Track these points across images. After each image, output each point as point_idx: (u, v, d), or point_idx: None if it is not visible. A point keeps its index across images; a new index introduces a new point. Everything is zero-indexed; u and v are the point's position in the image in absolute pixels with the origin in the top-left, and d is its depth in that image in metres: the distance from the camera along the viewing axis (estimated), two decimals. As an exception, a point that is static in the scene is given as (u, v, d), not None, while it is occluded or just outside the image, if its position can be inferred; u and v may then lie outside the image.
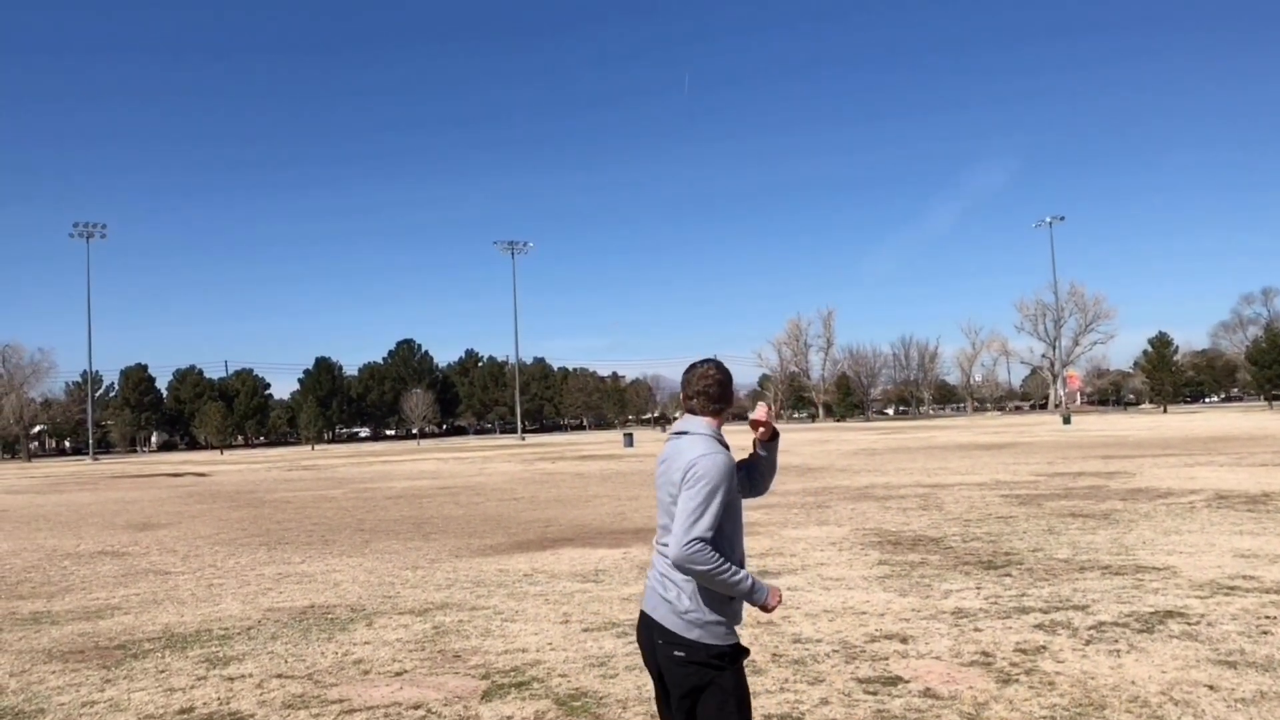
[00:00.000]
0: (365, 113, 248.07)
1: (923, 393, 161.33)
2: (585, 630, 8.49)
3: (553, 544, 14.89)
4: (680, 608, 3.44)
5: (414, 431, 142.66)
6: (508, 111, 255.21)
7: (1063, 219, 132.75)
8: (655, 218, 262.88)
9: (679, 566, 3.38)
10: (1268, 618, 7.87)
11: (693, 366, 3.70)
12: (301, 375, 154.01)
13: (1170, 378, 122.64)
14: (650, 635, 3.55)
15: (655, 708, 3.64)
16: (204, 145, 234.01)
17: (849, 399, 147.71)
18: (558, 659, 7.50)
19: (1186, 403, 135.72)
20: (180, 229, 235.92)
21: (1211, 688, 6.07)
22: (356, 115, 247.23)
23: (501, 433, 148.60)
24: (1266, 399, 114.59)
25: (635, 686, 6.61)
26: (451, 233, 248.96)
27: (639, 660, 7.27)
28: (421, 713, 6.25)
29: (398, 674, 7.29)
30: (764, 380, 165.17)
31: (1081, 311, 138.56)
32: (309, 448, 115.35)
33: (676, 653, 3.44)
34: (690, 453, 3.52)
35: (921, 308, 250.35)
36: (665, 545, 3.51)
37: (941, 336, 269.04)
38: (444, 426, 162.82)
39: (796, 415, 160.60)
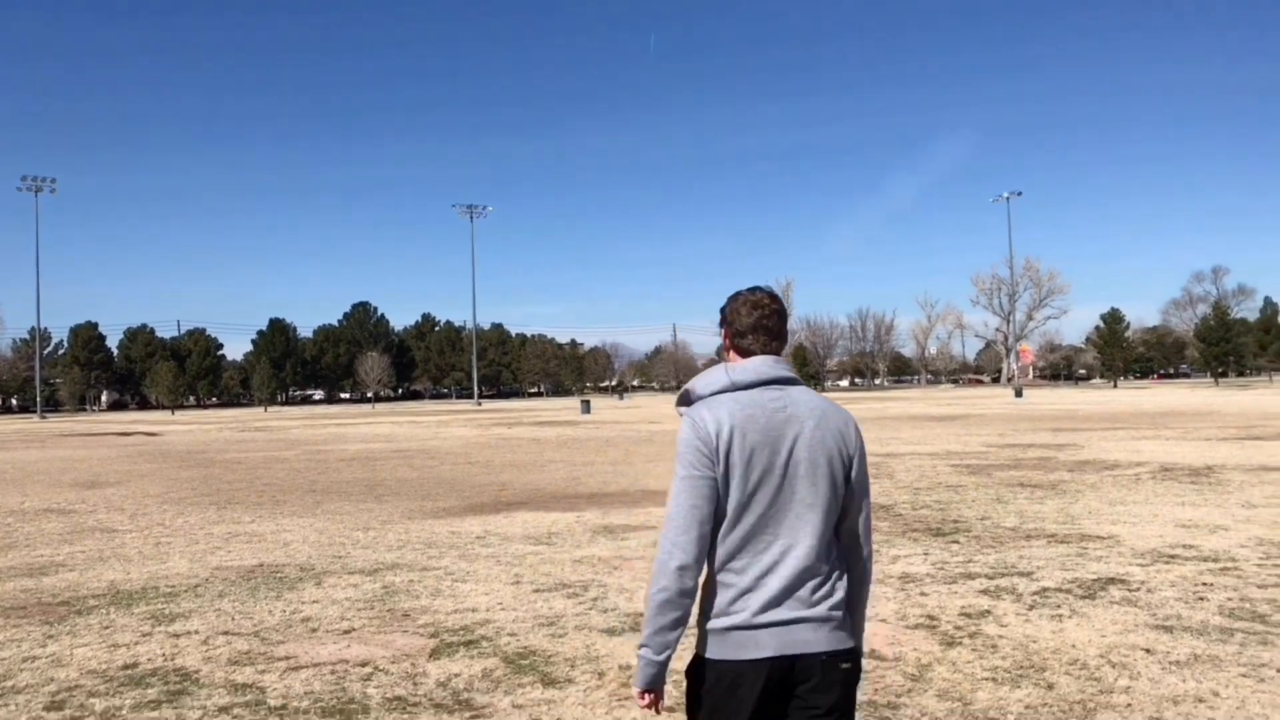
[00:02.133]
0: (322, 71, 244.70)
1: (878, 364, 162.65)
2: (536, 591, 8.51)
3: (506, 507, 14.89)
4: (839, 616, 2.68)
5: (369, 395, 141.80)
6: (468, 73, 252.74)
7: (1020, 194, 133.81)
8: (617, 186, 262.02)
9: (869, 577, 2.83)
10: (1204, 584, 8.04)
11: (739, 296, 2.87)
12: (255, 336, 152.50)
13: (1121, 353, 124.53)
14: (785, 677, 2.60)
15: None
16: (155, 101, 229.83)
17: (806, 370, 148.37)
18: (507, 618, 7.51)
19: (1137, 378, 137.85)
20: (132, 186, 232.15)
21: (1148, 651, 6.19)
22: (313, 73, 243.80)
23: (458, 398, 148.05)
24: (1213, 376, 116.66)
25: (584, 646, 6.64)
26: (409, 195, 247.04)
27: (588, 620, 7.32)
28: (368, 670, 6.24)
29: (346, 632, 7.26)
30: (721, 350, 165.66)
31: (1036, 286, 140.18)
32: (262, 409, 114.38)
33: (844, 664, 2.67)
34: (836, 411, 2.76)
35: (879, 280, 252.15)
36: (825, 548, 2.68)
37: (898, 309, 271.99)
38: (399, 391, 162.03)
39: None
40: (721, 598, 2.61)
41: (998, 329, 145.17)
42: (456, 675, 6.07)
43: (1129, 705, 5.20)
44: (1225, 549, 9.68)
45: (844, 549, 2.75)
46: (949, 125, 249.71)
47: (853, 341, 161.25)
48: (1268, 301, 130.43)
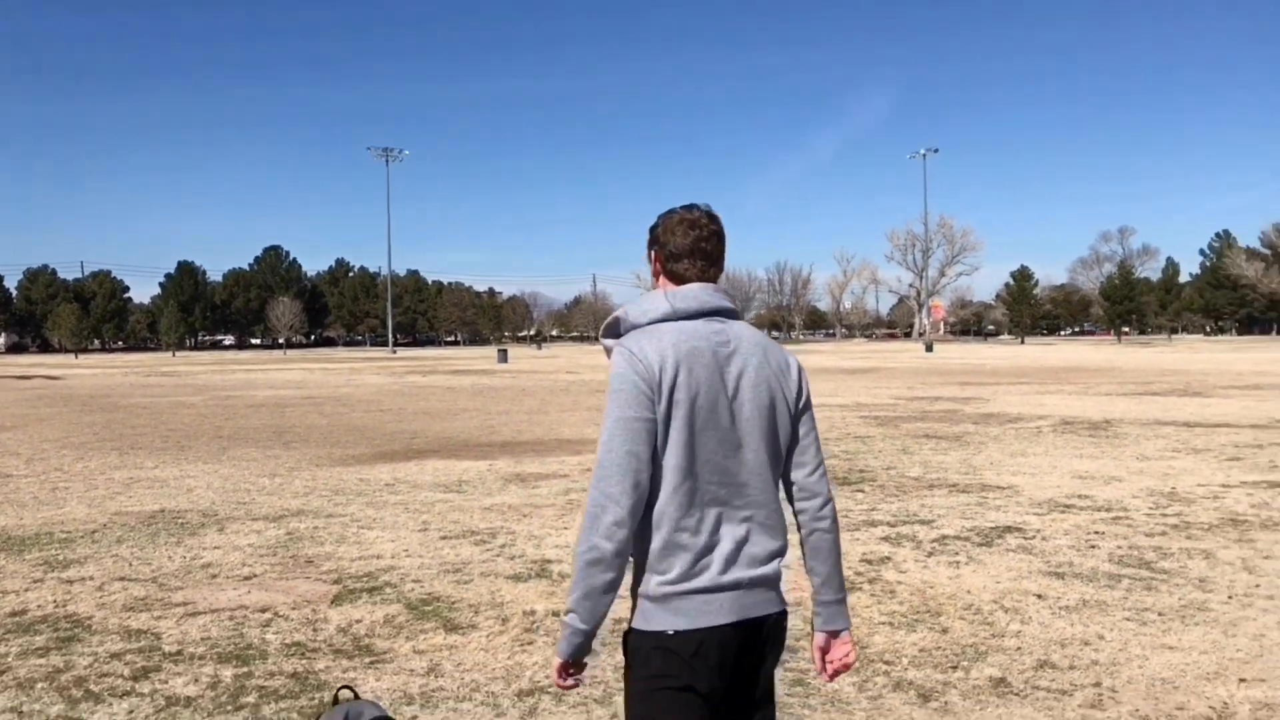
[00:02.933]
0: (235, 7, 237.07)
1: (794, 318, 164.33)
2: (443, 538, 8.46)
3: (417, 455, 14.77)
4: (783, 572, 2.49)
5: (280, 341, 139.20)
6: (385, 12, 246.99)
7: (936, 151, 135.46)
8: (537, 134, 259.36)
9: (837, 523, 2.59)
10: (1096, 533, 8.30)
11: (674, 214, 2.52)
12: (163, 279, 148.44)
13: (1029, 310, 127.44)
14: (744, 642, 2.38)
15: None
16: (54, 29, 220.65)
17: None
18: (412, 565, 7.46)
19: (1043, 335, 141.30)
20: (32, 119, 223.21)
21: (1040, 596, 6.37)
22: (225, 9, 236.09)
23: (372, 345, 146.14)
24: (1116, 333, 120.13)
25: (489, 592, 6.63)
26: (324, 138, 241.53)
27: (495, 566, 7.30)
28: (268, 616, 6.15)
29: (247, 578, 7.16)
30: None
31: (949, 243, 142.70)
32: (169, 354, 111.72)
33: (784, 624, 2.50)
34: (777, 349, 2.53)
35: (798, 234, 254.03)
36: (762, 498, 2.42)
37: (815, 264, 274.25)
38: (312, 337, 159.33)
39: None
40: (676, 560, 2.29)
41: (911, 285, 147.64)
42: (358, 621, 6.02)
43: (1018, 649, 5.35)
44: (1118, 499, 9.99)
45: (800, 498, 2.51)
46: (869, 82, 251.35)
47: (770, 295, 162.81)
48: (1170, 262, 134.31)
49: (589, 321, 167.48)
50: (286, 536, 8.64)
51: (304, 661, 5.27)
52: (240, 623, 6.02)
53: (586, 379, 38.35)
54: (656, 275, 2.55)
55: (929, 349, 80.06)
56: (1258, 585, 6.56)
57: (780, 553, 2.45)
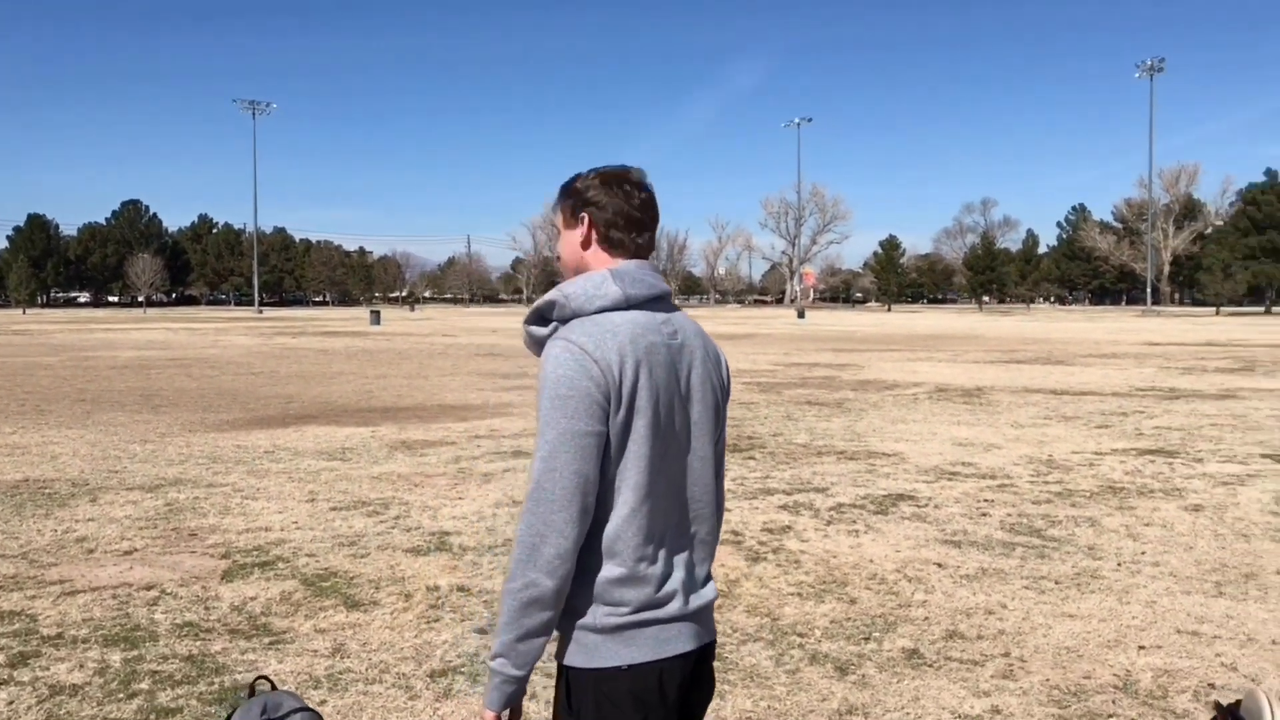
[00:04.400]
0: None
1: (670, 283, 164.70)
2: (334, 509, 8.18)
3: (295, 420, 14.31)
4: None
5: (140, 299, 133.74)
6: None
7: (810, 120, 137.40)
8: (410, 90, 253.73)
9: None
10: (985, 501, 8.50)
11: (607, 172, 2.19)
12: (11, 233, 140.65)
13: (896, 279, 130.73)
14: (692, 670, 2.13)
15: None
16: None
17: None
18: (304, 538, 7.19)
19: (908, 303, 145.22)
20: None
21: (940, 565, 6.48)
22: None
23: (237, 304, 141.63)
24: (977, 302, 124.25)
25: (388, 566, 6.42)
26: (185, 88, 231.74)
27: (391, 539, 7.09)
28: (154, 594, 5.84)
29: (127, 553, 6.79)
30: (517, 263, 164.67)
31: (821, 212, 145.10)
32: (20, 311, 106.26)
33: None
34: (710, 338, 2.26)
35: (674, 200, 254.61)
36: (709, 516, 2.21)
37: (691, 229, 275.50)
38: (174, 295, 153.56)
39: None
40: (634, 591, 2.01)
41: (784, 252, 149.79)
42: (252, 599, 5.76)
43: (926, 619, 5.42)
44: (1000, 466, 10.27)
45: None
46: (745, 49, 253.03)
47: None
48: (1029, 233, 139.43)
49: (462, 283, 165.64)
50: (166, 508, 8.24)
51: (198, 643, 5.01)
52: (124, 602, 5.70)
53: (464, 342, 37.84)
54: (586, 244, 2.15)
55: (801, 315, 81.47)
56: (1143, 553, 6.80)
57: (711, 572, 2.24)
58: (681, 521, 2.13)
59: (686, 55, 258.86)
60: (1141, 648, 4.97)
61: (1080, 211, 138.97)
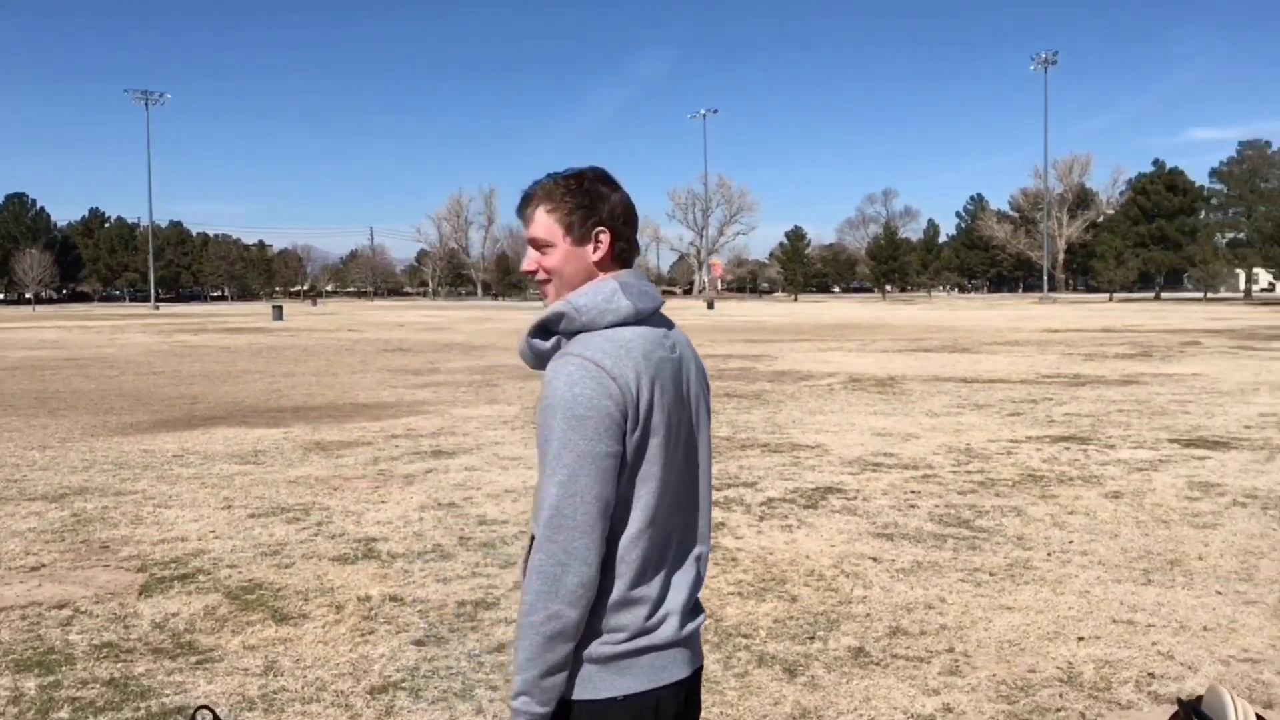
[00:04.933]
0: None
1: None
2: (252, 516, 7.91)
3: (203, 422, 13.86)
4: None
5: (28, 296, 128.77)
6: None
7: (716, 112, 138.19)
8: (309, 80, 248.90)
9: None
10: (912, 492, 8.57)
11: (598, 174, 2.09)
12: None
13: (802, 269, 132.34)
14: (686, 697, 2.07)
15: None
16: None
17: (508, 278, 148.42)
18: (224, 548, 6.92)
19: (814, 292, 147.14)
20: None
21: (875, 559, 6.50)
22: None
23: (132, 301, 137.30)
24: (881, 291, 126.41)
25: (315, 576, 6.21)
26: (75, 78, 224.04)
27: (315, 547, 6.86)
28: (68, 613, 5.55)
29: (34, 569, 6.45)
30: (422, 255, 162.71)
31: (728, 203, 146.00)
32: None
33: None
34: (694, 348, 2.22)
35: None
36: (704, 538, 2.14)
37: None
38: (64, 292, 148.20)
39: (459, 291, 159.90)
40: (630, 615, 1.93)
41: (692, 243, 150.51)
42: (174, 615, 5.51)
43: (868, 615, 5.41)
44: (921, 456, 10.38)
45: None
46: (649, 41, 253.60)
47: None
48: (930, 223, 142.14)
49: (366, 276, 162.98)
50: (73, 518, 7.87)
51: (120, 665, 4.76)
52: (35, 622, 5.40)
53: (371, 337, 37.20)
54: (602, 264, 2.03)
55: (710, 306, 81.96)
56: (1070, 541, 6.90)
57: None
58: (683, 541, 2.05)
59: (590, 46, 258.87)
60: (1081, 639, 5.02)
61: (978, 201, 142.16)
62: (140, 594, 5.89)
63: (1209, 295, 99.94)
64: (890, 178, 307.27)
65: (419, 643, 5.04)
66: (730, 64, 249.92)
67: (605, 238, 2.02)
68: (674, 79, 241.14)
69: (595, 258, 2.03)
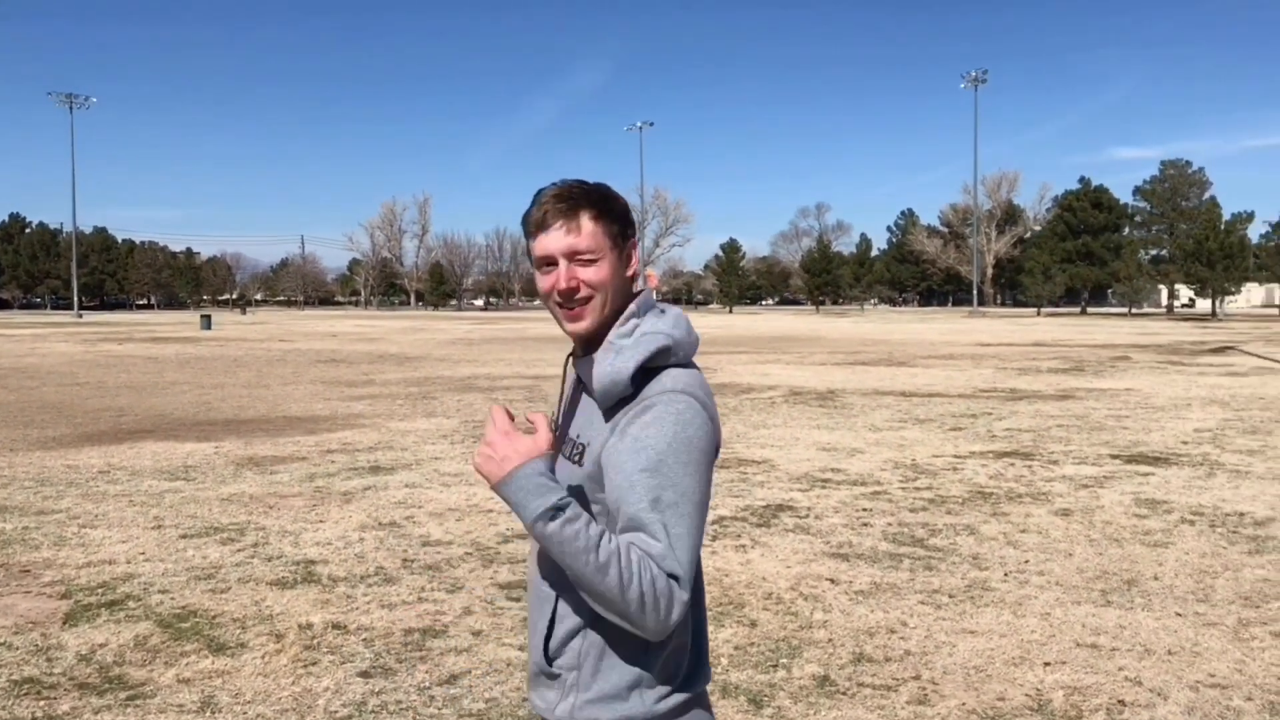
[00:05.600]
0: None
1: (514, 285, 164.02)
2: (184, 536, 7.57)
3: (130, 436, 13.38)
4: None
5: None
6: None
7: (652, 125, 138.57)
8: (240, 85, 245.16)
9: None
10: (864, 510, 8.48)
11: (604, 190, 1.93)
12: None
13: (737, 281, 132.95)
14: None
15: None
16: None
17: (442, 288, 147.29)
18: (155, 571, 6.59)
19: (748, 304, 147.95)
20: None
21: (833, 581, 6.37)
22: None
23: (54, 309, 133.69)
24: (814, 304, 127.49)
25: (252, 602, 5.92)
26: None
27: (252, 570, 6.57)
28: (-14, 645, 5.21)
29: (-51, 597, 6.08)
30: (354, 264, 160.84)
31: (664, 215, 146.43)
32: None
33: None
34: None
35: (517, 201, 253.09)
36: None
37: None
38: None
39: (392, 301, 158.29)
40: (684, 661, 1.88)
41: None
42: (102, 646, 5.19)
43: (830, 640, 5.27)
44: (868, 472, 10.31)
45: None
46: (588, 53, 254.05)
47: (489, 261, 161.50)
48: (863, 237, 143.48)
49: (297, 285, 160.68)
50: (-9, 541, 7.48)
51: (42, 703, 4.46)
52: (-50, 656, 5.06)
53: (303, 348, 36.52)
54: (633, 279, 1.94)
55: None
56: (1026, 561, 6.84)
57: None
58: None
59: (526, 57, 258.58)
60: (1047, 664, 4.93)
61: (909, 216, 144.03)
62: (64, 623, 5.56)
63: (1133, 310, 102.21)
64: (823, 192, 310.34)
65: (365, 674, 4.80)
66: (666, 77, 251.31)
67: (635, 253, 1.94)
68: (610, 91, 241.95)
69: (630, 273, 1.92)
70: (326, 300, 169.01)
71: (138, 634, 5.36)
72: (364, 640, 5.27)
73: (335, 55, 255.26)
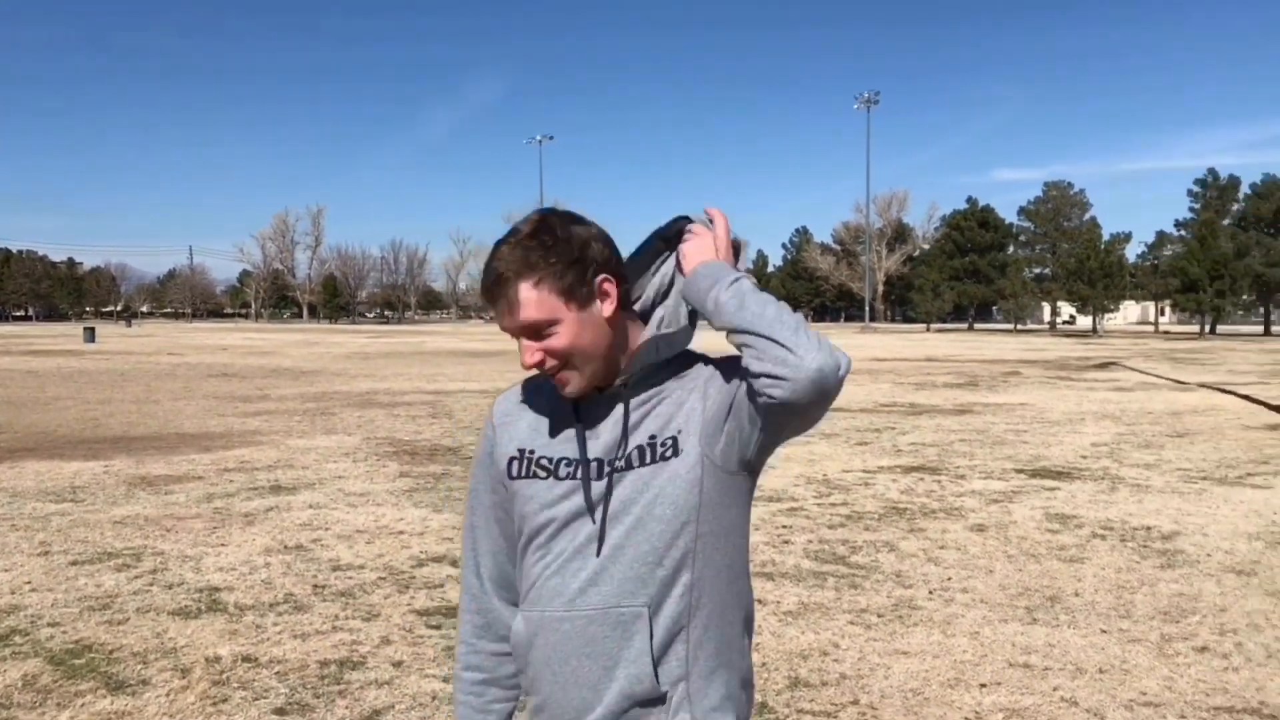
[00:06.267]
0: None
1: (410, 298, 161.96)
2: (74, 563, 7.12)
3: (9, 455, 12.69)
4: None
5: None
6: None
7: (552, 138, 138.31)
8: (124, 90, 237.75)
9: None
10: (783, 526, 8.41)
11: (562, 218, 1.77)
12: None
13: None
14: None
15: None
16: None
17: (335, 300, 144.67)
18: (43, 602, 6.17)
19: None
20: None
21: (760, 601, 6.26)
22: None
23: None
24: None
25: (153, 634, 5.56)
26: None
27: (151, 599, 6.22)
28: None
29: None
30: (245, 276, 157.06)
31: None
32: None
33: None
34: None
35: (413, 213, 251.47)
36: None
37: (431, 243, 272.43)
38: None
39: (284, 313, 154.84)
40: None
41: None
42: (-12, 686, 4.81)
43: (763, 664, 5.16)
44: (783, 488, 10.26)
45: None
46: (486, 65, 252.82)
47: (384, 274, 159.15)
48: (760, 253, 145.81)
49: (185, 296, 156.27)
50: None
51: (-78, 752, 4.09)
52: None
53: (193, 361, 35.37)
54: (616, 316, 1.75)
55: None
56: (949, 578, 6.84)
57: None
58: None
59: (422, 66, 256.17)
60: (983, 685, 4.89)
61: (804, 234, 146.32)
62: (-55, 661, 5.15)
63: (1018, 327, 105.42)
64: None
65: (281, 711, 4.52)
66: (566, 91, 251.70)
67: (611, 286, 1.73)
68: (509, 104, 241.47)
69: (608, 313, 1.73)
70: (216, 312, 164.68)
71: (26, 673, 4.97)
72: (277, 674, 4.97)
73: (226, 60, 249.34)
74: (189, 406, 19.13)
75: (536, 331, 1.70)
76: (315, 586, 6.53)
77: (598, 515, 1.71)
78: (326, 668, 5.06)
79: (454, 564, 7.11)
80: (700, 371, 1.79)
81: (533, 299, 1.67)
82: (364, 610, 6.01)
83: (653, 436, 1.72)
